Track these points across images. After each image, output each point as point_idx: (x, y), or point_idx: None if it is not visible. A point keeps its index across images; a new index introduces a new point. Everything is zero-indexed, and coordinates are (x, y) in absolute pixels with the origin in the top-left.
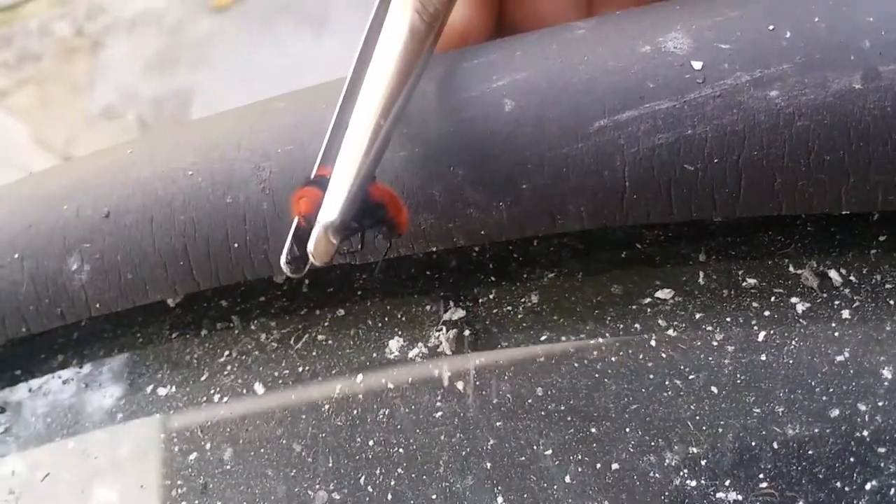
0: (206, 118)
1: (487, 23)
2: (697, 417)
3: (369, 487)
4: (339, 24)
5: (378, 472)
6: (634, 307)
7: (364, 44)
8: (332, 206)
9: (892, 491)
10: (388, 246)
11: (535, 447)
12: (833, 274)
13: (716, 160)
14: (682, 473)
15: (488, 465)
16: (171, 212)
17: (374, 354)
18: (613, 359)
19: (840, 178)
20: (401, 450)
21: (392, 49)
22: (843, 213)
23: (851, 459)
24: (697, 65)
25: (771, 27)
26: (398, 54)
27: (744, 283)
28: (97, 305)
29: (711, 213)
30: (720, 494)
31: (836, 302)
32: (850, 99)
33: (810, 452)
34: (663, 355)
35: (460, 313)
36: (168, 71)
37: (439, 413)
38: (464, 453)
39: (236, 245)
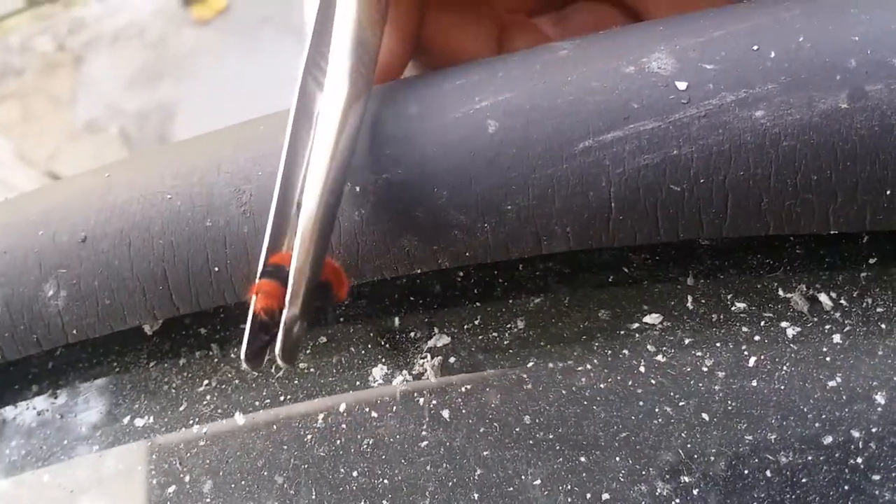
0: (186, 141)
1: (407, 55)
2: (689, 445)
3: None
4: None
5: (362, 503)
6: (622, 332)
7: (297, 105)
8: (295, 300)
9: None
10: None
11: (523, 477)
12: (823, 297)
13: (702, 181)
14: (673, 503)
15: (476, 495)
16: (150, 236)
17: (358, 382)
18: (602, 385)
19: (827, 198)
20: (385, 481)
21: (333, 113)
22: (832, 233)
23: (846, 487)
24: (682, 85)
25: (755, 47)
26: (340, 118)
27: (733, 308)
28: (74, 332)
29: (698, 233)
30: None
31: (827, 326)
32: (836, 119)
33: (804, 481)
34: (653, 381)
35: (445, 340)
36: (151, 84)
37: (425, 442)
38: (450, 484)
39: (216, 269)
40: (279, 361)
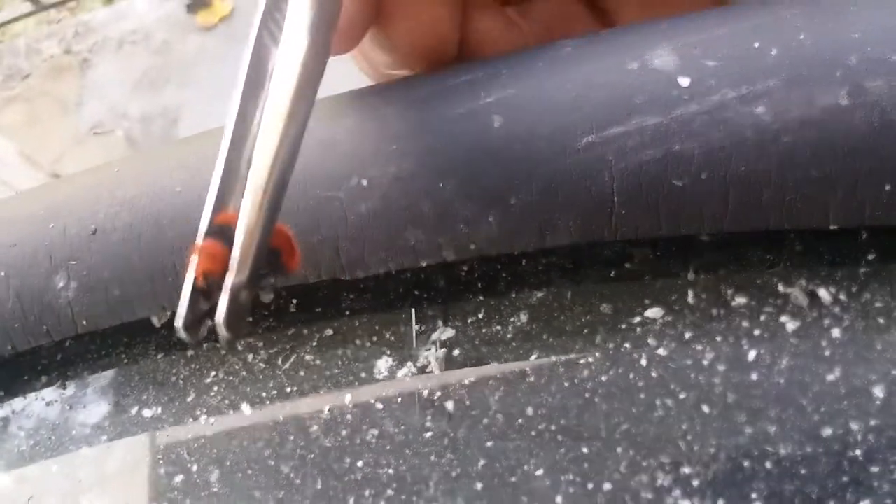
0: (194, 136)
1: (366, 19)
2: (689, 437)
3: None
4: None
5: (367, 493)
6: (624, 326)
7: (251, 61)
8: (243, 265)
9: None
10: (273, 284)
11: (525, 467)
12: (823, 293)
13: (703, 175)
14: (674, 494)
15: (479, 485)
16: (160, 229)
17: (363, 374)
18: (604, 378)
19: (828, 193)
20: (390, 471)
21: (291, 69)
22: (832, 228)
23: (845, 479)
24: (684, 81)
25: (757, 44)
26: (298, 75)
27: (733, 303)
28: (84, 322)
29: (700, 228)
30: None
31: (827, 321)
32: (836, 115)
33: (803, 472)
34: (654, 374)
35: (449, 333)
36: (156, 89)
37: (429, 433)
38: (454, 474)
39: None
40: (222, 331)
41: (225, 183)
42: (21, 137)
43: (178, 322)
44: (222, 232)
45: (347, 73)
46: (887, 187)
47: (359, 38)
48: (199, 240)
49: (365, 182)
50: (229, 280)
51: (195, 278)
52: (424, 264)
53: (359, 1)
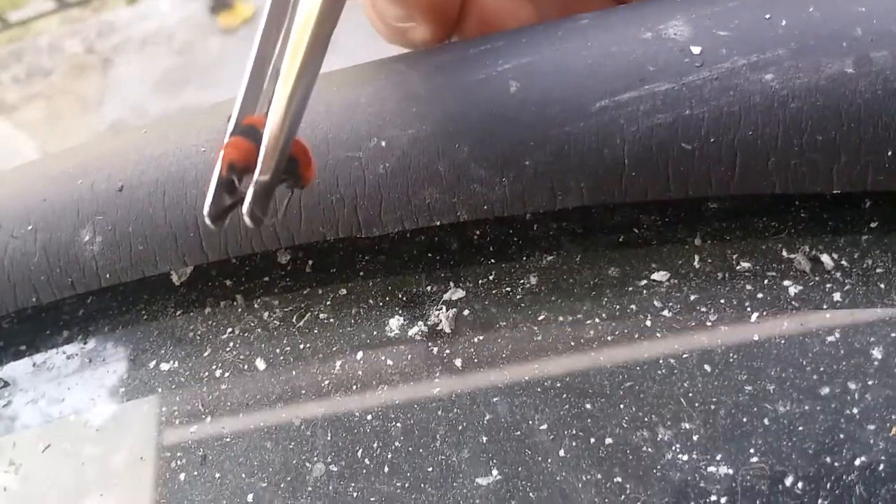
0: (220, 103)
1: None
2: (690, 394)
3: (366, 460)
4: (346, 45)
5: (375, 445)
6: (630, 289)
7: None
8: (268, 163)
9: (881, 466)
10: (290, 195)
11: (530, 422)
12: (825, 258)
13: (712, 139)
14: (674, 448)
15: (484, 438)
16: (184, 186)
17: (375, 332)
18: (609, 338)
19: (832, 157)
20: (398, 424)
21: None
22: (835, 193)
23: (841, 436)
24: (696, 50)
25: (767, 16)
26: None
27: (738, 267)
28: (107, 276)
29: (707, 190)
30: (711, 469)
31: (828, 285)
32: (842, 83)
33: (801, 429)
34: (658, 335)
35: (460, 293)
36: (177, 89)
37: (437, 389)
38: (460, 427)
39: None
40: (246, 220)
41: (252, 90)
42: (42, 135)
43: (205, 210)
44: (250, 132)
45: (365, 44)
46: (889, 153)
47: None
48: (227, 136)
49: (384, 143)
50: (256, 174)
51: (221, 169)
52: (439, 223)
53: None
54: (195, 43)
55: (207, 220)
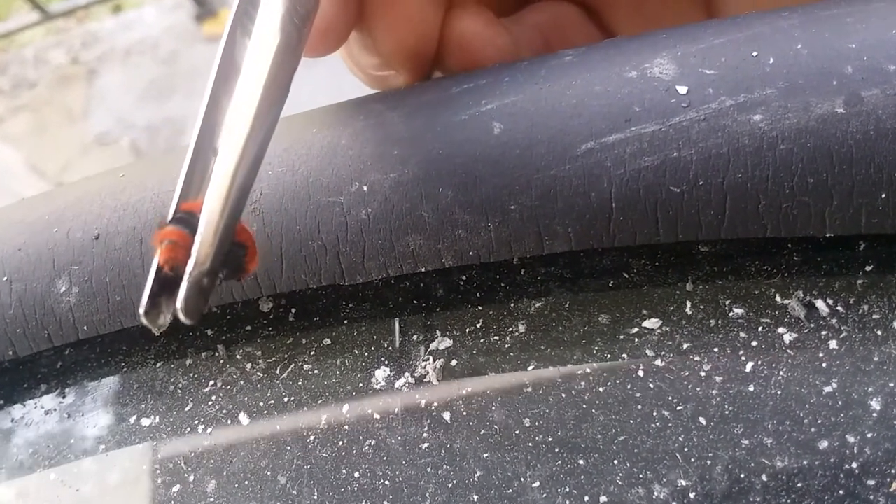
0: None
1: (348, 19)
2: (686, 449)
3: None
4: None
5: None
6: (622, 337)
7: (224, 53)
8: (205, 253)
9: None
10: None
11: (522, 479)
12: (820, 304)
13: (701, 182)
14: None
15: (475, 497)
16: None
17: (361, 384)
18: (601, 389)
19: (824, 200)
20: (387, 482)
21: (262, 59)
22: (829, 237)
23: (841, 492)
24: (682, 89)
25: (754, 53)
26: (270, 65)
27: (731, 313)
28: (85, 328)
29: (697, 234)
30: None
31: (824, 332)
32: (832, 123)
33: (799, 485)
34: (651, 386)
35: (447, 343)
36: (162, 99)
37: (426, 444)
38: (450, 485)
39: None
40: (181, 316)
41: (194, 172)
42: (28, 147)
43: (140, 309)
44: (187, 220)
45: (351, 83)
46: (883, 195)
47: (341, 39)
48: (166, 226)
49: (366, 187)
50: (190, 266)
51: (158, 267)
52: (424, 270)
53: (337, 1)
54: (180, 52)
55: (143, 320)
